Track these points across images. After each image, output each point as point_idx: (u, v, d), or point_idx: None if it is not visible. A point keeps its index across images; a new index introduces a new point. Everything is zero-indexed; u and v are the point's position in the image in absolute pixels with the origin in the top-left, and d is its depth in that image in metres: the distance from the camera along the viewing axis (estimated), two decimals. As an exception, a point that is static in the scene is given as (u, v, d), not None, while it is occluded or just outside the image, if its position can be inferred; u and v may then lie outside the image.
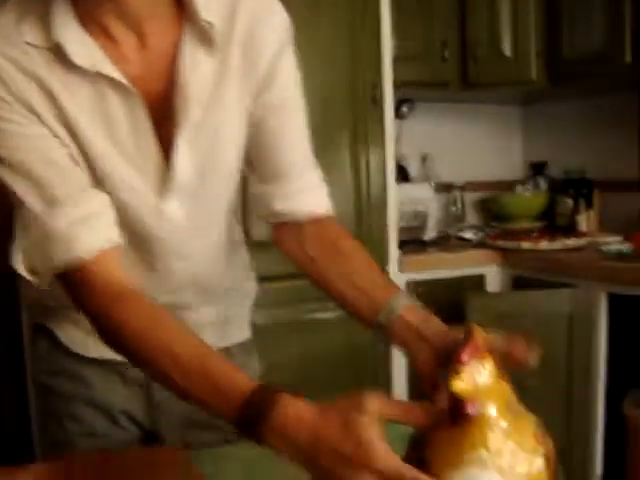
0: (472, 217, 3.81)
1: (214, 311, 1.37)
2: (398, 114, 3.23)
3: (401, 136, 3.35)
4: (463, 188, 3.69)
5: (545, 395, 2.61)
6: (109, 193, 1.10)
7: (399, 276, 2.88)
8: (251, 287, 1.52)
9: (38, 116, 1.05)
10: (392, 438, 0.78)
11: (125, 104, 1.08)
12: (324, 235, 1.26)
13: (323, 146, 2.63)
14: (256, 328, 2.60)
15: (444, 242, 3.39)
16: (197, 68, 1.11)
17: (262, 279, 2.62)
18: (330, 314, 2.73)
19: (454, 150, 3.72)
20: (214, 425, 1.25)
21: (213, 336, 1.28)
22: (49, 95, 1.05)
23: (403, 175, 3.40)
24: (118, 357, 1.06)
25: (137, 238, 1.18)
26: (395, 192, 2.88)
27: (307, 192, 1.28)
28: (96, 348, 1.21)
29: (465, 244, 3.31)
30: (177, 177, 1.14)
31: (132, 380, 1.33)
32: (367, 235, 2.79)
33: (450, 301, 2.86)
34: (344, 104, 2.74)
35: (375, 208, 2.81)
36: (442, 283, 2.98)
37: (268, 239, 2.66)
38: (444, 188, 3.66)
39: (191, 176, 1.16)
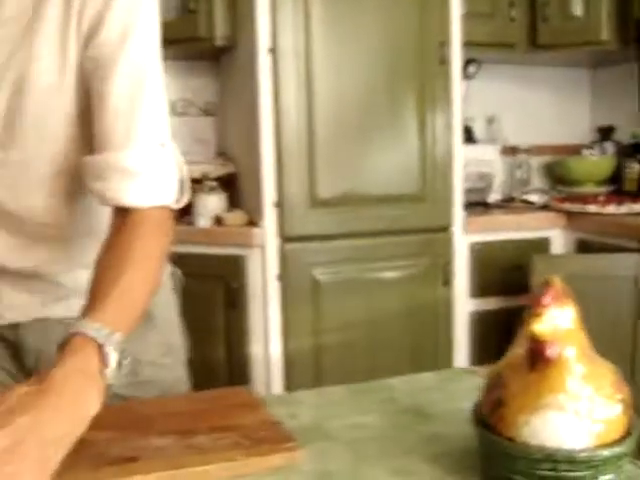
0: (538, 181, 3.76)
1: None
2: (465, 74, 3.20)
3: (467, 97, 3.32)
4: (529, 151, 3.64)
5: (609, 359, 2.60)
6: None
7: (463, 237, 2.88)
8: None
9: None
10: (469, 387, 0.78)
11: None
12: (119, 241, 1.01)
13: (390, 106, 2.65)
14: (320, 286, 2.65)
15: (509, 204, 3.37)
16: None
17: (325, 237, 2.67)
18: (393, 273, 2.74)
19: (520, 112, 3.67)
20: None
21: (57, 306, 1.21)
22: None
23: (469, 136, 3.37)
24: None
25: None
26: (461, 153, 2.86)
27: (123, 174, 1.02)
28: None
29: (530, 207, 3.28)
30: None
31: None
32: (432, 196, 2.79)
33: (514, 263, 2.86)
34: (411, 63, 2.71)
35: (440, 169, 2.79)
36: (506, 245, 2.97)
37: (332, 197, 2.68)
38: (510, 151, 3.62)
39: None
